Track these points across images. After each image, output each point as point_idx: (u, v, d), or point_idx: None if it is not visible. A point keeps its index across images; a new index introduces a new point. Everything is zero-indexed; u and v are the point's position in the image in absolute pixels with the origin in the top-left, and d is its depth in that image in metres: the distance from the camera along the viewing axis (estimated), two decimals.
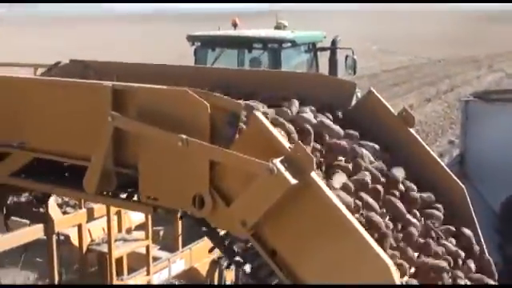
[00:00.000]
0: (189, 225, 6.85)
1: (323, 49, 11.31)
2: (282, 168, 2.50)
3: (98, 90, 3.11)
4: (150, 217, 5.97)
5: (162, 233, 7.57)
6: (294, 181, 2.51)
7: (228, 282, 7.18)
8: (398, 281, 2.44)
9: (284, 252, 2.66)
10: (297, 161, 2.55)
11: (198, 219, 2.95)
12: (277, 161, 2.52)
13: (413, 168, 3.37)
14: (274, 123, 2.93)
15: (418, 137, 3.52)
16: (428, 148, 3.53)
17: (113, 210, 5.71)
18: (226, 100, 2.83)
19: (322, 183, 2.61)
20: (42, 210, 5.87)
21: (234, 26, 12.38)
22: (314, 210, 2.58)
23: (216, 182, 2.76)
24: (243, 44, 10.83)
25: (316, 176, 2.60)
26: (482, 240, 3.35)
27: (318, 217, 2.57)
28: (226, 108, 2.78)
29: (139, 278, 6.02)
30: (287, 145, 2.66)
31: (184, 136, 2.73)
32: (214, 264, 7.01)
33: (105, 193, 3.25)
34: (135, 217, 6.80)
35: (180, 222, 6.71)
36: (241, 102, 2.97)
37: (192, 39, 11.02)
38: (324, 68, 11.29)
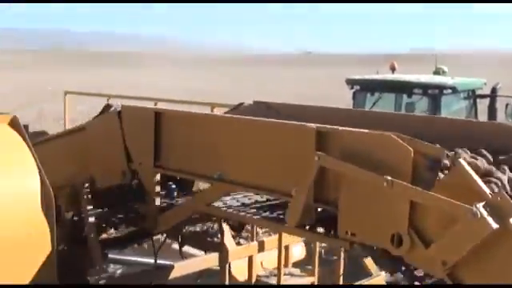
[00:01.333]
0: (349, 264, 7.07)
1: (483, 96, 11.22)
2: (484, 213, 2.64)
3: (302, 131, 3.35)
4: (317, 254, 6.19)
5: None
6: (495, 225, 2.63)
7: None
8: None
9: None
10: (498, 207, 2.67)
11: (392, 259, 3.11)
12: (480, 205, 2.65)
13: None
14: (475, 170, 3.06)
15: None
16: None
17: (283, 244, 5.97)
18: (429, 146, 2.96)
19: None
20: (215, 239, 6.27)
21: (393, 70, 12.52)
22: None
23: (415, 223, 2.90)
24: (403, 89, 10.93)
25: None
26: None
27: None
28: (429, 153, 2.92)
29: None
30: (488, 191, 2.80)
31: (389, 177, 2.91)
32: None
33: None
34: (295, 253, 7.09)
35: (342, 261, 6.90)
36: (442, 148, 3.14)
37: (351, 82, 11.26)
38: (482, 116, 11.18)
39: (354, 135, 3.17)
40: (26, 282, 3.83)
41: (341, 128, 3.28)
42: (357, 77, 11.54)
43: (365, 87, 11.18)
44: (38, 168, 3.90)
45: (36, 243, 3.88)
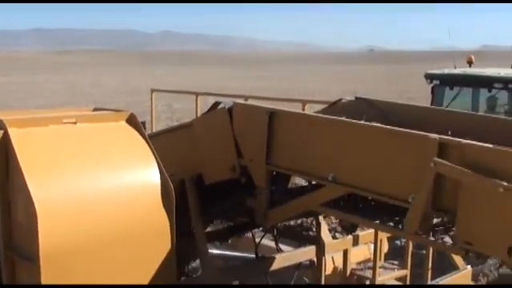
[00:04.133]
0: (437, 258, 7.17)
1: None
2: None
3: (424, 141, 3.46)
4: (410, 247, 6.31)
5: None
6: None
7: None
8: None
9: None
10: None
11: None
12: None
13: None
14: None
15: None
16: None
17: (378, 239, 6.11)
18: None
19: None
20: (311, 233, 6.44)
21: (470, 63, 12.48)
22: None
23: None
24: (483, 83, 10.91)
25: None
26: None
27: None
28: None
29: None
30: None
31: (505, 183, 3.04)
32: None
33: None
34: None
35: (431, 256, 7.01)
36: None
37: (430, 77, 11.28)
38: None
39: (477, 149, 3.27)
40: (147, 278, 4.05)
41: (464, 141, 3.38)
42: (436, 71, 11.55)
43: (444, 82, 11.19)
44: (157, 161, 4.13)
45: (157, 237, 4.11)
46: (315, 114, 4.52)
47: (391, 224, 3.84)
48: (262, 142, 4.38)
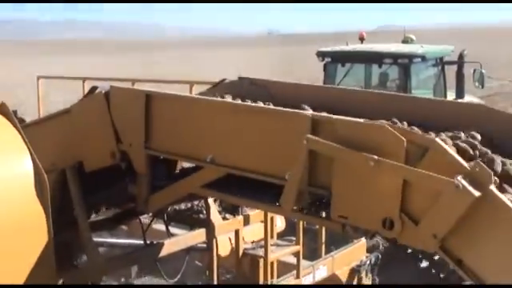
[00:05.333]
0: (330, 233, 7.26)
1: (451, 63, 11.44)
2: (466, 183, 2.82)
3: (298, 118, 3.46)
4: (301, 225, 6.36)
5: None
6: (477, 193, 2.81)
7: None
8: None
9: (469, 260, 2.94)
10: (477, 176, 2.86)
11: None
12: (460, 177, 2.83)
13: None
14: (450, 146, 3.22)
15: None
16: None
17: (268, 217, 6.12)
18: (422, 136, 3.13)
19: (501, 194, 2.89)
20: (201, 216, 6.40)
21: (361, 39, 12.68)
22: (496, 218, 2.84)
23: (404, 204, 3.06)
24: (373, 59, 11.11)
25: (495, 188, 2.89)
26: None
27: (500, 224, 2.83)
28: (421, 143, 3.06)
29: (289, 281, 6.43)
30: (466, 164, 2.97)
31: (376, 157, 3.06)
32: (354, 272, 7.35)
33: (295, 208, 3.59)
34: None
35: (323, 231, 7.10)
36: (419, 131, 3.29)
37: (322, 55, 11.38)
38: (451, 82, 11.41)
39: (348, 124, 3.29)
40: (23, 272, 3.87)
41: (335, 117, 3.41)
42: (327, 49, 11.67)
43: (335, 59, 11.32)
44: (30, 151, 3.95)
45: (33, 227, 3.93)
46: (190, 95, 4.45)
47: (269, 202, 3.81)
48: (140, 126, 4.26)
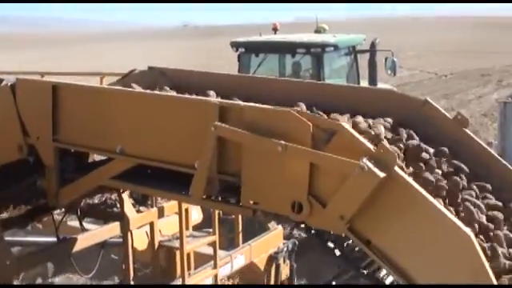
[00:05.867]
0: (247, 220, 7.30)
1: (363, 51, 11.61)
2: (371, 165, 2.88)
3: (205, 106, 3.44)
4: (216, 215, 6.36)
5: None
6: (382, 174, 2.87)
7: (283, 277, 7.60)
8: (479, 250, 2.74)
9: (377, 240, 2.99)
10: (381, 158, 2.92)
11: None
12: (365, 159, 2.89)
13: (470, 161, 3.66)
14: (357, 130, 3.27)
15: (474, 136, 3.84)
16: (484, 144, 3.86)
17: (182, 208, 6.09)
18: (327, 120, 3.17)
19: (405, 175, 2.97)
20: (115, 209, 6.31)
21: (275, 30, 12.74)
22: (401, 199, 2.91)
23: (312, 187, 3.09)
24: (286, 49, 11.17)
25: (399, 169, 2.96)
26: None
27: (405, 204, 2.91)
28: (326, 127, 3.10)
29: (207, 272, 6.43)
30: (371, 146, 3.03)
31: (283, 142, 3.08)
32: (271, 259, 7.42)
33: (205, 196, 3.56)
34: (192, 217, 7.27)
35: (240, 220, 7.13)
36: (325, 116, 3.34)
37: (236, 45, 11.37)
38: (364, 71, 11.61)
39: (255, 110, 3.30)
40: None
41: (243, 103, 3.42)
42: (241, 39, 11.66)
43: (249, 49, 11.31)
44: None
45: None
46: (96, 86, 4.37)
47: (179, 191, 3.78)
48: (47, 119, 4.14)
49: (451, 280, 2.85)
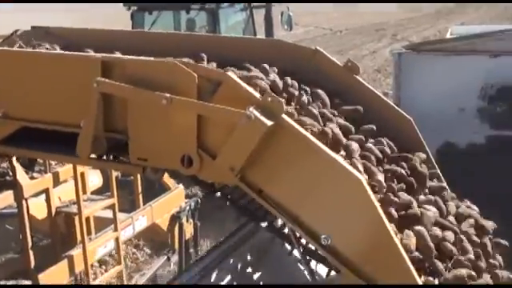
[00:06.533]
0: (146, 182, 7.21)
1: (259, 6, 11.55)
2: (257, 114, 2.83)
3: (87, 61, 3.31)
4: (114, 178, 6.23)
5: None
6: (269, 123, 2.83)
7: (188, 236, 7.57)
8: (371, 195, 2.78)
9: (269, 189, 2.97)
10: (268, 106, 2.88)
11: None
12: (252, 108, 2.84)
13: (365, 110, 3.67)
14: (244, 80, 3.22)
15: (363, 81, 3.86)
16: (374, 90, 3.89)
17: (78, 171, 5.92)
18: (212, 70, 3.11)
19: (293, 122, 2.94)
20: (8, 178, 6.07)
21: None
22: (289, 146, 2.89)
23: (201, 140, 3.03)
24: (181, 5, 10.97)
25: (286, 116, 2.93)
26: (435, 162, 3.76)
27: (293, 151, 2.89)
28: (212, 78, 3.03)
29: (108, 235, 6.31)
30: (258, 95, 2.98)
31: (168, 94, 2.99)
32: (174, 219, 7.37)
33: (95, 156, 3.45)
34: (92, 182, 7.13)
35: (139, 181, 7.02)
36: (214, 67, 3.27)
37: (128, 3, 11.10)
38: (260, 27, 11.56)
39: (139, 64, 3.19)
40: None
41: (126, 57, 3.29)
42: None
43: (142, 7, 11.06)
44: None
45: None
46: None
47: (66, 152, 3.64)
48: None
49: (345, 226, 2.87)
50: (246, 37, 4.57)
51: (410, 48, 8.37)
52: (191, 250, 7.72)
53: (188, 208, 7.49)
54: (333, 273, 4.58)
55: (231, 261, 4.91)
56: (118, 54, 3.64)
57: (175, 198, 7.43)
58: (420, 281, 2.84)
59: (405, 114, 3.81)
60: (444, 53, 7.95)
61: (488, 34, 8.01)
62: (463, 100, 7.77)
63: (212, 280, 4.68)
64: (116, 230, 6.34)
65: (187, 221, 7.48)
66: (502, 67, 7.64)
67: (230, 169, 2.95)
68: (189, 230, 7.57)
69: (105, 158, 3.54)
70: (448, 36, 10.28)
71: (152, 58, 3.23)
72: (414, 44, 8.54)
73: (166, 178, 7.18)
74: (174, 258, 7.54)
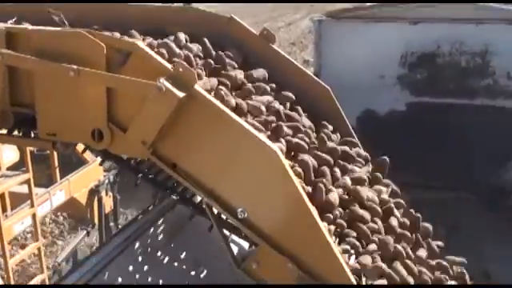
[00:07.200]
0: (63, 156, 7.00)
1: None
2: (169, 85, 2.73)
3: None
4: (28, 153, 6.01)
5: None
6: (181, 94, 2.74)
7: (107, 209, 7.42)
8: (287, 165, 2.74)
9: (182, 162, 2.89)
10: (180, 77, 2.79)
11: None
12: (163, 79, 2.74)
13: (277, 75, 3.67)
14: (156, 51, 3.10)
15: (280, 50, 3.81)
16: (290, 58, 3.84)
17: None
18: (122, 41, 2.98)
19: (205, 93, 2.86)
20: None
21: None
22: (203, 117, 2.82)
23: (111, 113, 2.92)
24: None
25: (199, 87, 2.85)
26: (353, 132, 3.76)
27: (206, 122, 2.82)
28: (121, 48, 2.91)
29: (24, 212, 6.11)
30: (169, 65, 2.87)
31: (75, 66, 2.86)
32: (93, 192, 7.21)
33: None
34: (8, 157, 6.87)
35: (55, 155, 6.82)
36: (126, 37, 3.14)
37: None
38: None
39: (44, 34, 3.04)
40: None
41: (30, 27, 3.12)
42: None
43: None
44: None
45: None
46: None
47: None
48: None
49: (260, 198, 2.82)
50: (160, 5, 4.40)
51: (330, 15, 8.33)
52: (111, 224, 7.59)
53: (107, 181, 7.34)
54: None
55: (148, 238, 4.78)
56: (26, 25, 3.46)
57: (93, 171, 7.25)
58: (339, 254, 2.80)
59: (322, 82, 3.78)
60: (364, 20, 7.94)
61: (408, 1, 8.03)
62: (383, 67, 7.81)
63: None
64: (32, 205, 6.14)
65: (106, 194, 7.34)
66: (422, 34, 7.69)
67: (142, 142, 2.85)
68: (108, 204, 7.44)
69: (16, 133, 3.40)
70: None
71: (58, 28, 3.09)
72: (334, 11, 8.47)
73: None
74: (94, 233, 7.40)
